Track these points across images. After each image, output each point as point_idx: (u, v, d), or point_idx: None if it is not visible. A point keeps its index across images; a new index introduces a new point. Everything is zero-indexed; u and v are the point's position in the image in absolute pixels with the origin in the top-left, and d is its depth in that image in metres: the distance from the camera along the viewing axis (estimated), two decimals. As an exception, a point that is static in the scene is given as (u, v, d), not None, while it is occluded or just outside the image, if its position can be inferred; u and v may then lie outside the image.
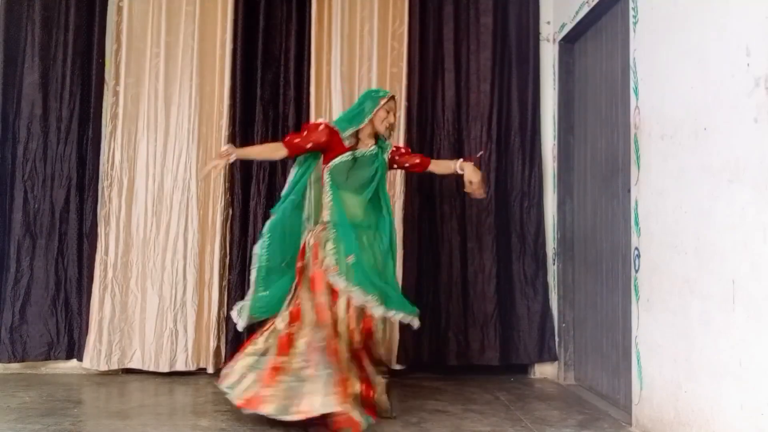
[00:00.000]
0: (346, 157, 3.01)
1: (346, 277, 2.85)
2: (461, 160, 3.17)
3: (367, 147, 3.08)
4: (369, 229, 3.03)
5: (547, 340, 4.05)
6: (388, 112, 3.08)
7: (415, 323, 3.00)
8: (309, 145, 2.99)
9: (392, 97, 3.13)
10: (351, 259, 2.87)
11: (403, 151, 3.26)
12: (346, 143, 3.03)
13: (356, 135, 3.06)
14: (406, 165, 3.23)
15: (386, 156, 3.15)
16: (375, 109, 3.05)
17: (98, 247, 3.98)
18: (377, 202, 3.09)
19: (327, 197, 3.03)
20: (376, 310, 2.86)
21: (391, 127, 3.13)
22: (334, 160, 3.01)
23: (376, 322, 2.92)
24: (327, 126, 3.04)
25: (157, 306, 3.97)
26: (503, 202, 4.14)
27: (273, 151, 3.11)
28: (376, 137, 3.12)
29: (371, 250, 2.99)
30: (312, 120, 4.09)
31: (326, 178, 3.04)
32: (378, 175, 3.07)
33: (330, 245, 2.92)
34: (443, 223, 4.09)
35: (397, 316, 2.94)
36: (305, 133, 3.03)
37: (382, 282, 2.92)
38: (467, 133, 4.18)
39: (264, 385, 2.75)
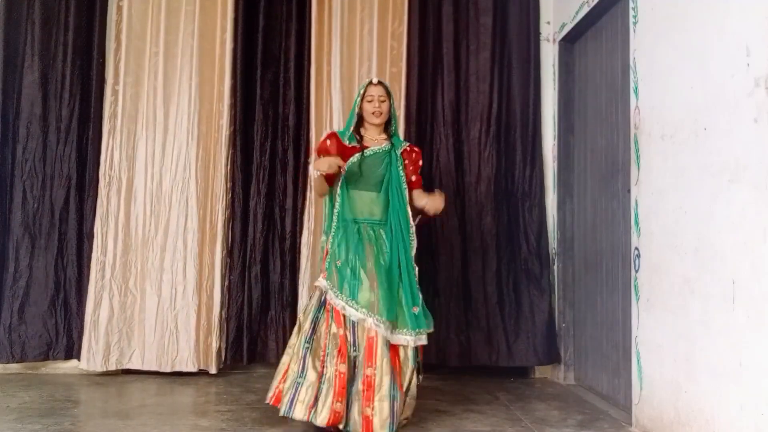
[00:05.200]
0: (355, 157, 2.92)
1: (331, 282, 2.79)
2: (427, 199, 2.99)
3: (379, 144, 2.98)
4: (382, 227, 2.91)
5: (550, 341, 4.02)
6: (370, 101, 2.94)
7: (410, 341, 2.79)
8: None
9: (371, 83, 2.97)
10: (339, 263, 2.81)
11: (414, 157, 3.07)
12: (352, 143, 2.95)
13: (359, 133, 2.99)
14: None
15: (398, 152, 3.00)
16: (359, 104, 2.97)
17: (95, 247, 3.97)
18: (397, 201, 2.93)
19: (336, 197, 2.94)
20: (359, 318, 2.73)
21: (378, 114, 2.95)
22: (347, 163, 2.91)
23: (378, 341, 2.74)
24: (332, 134, 3.00)
25: (157, 306, 3.96)
26: (504, 202, 4.13)
27: (320, 184, 2.95)
28: (389, 133, 3.03)
29: (379, 248, 2.86)
30: (312, 118, 4.11)
31: (340, 182, 2.93)
32: (391, 172, 2.94)
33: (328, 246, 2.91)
34: (444, 223, 4.08)
35: (381, 330, 2.71)
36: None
37: (382, 289, 2.76)
38: (466, 133, 4.17)
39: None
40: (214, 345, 3.97)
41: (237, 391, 3.61)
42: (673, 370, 2.60)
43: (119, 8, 4.13)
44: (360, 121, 3.01)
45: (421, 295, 2.91)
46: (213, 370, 3.95)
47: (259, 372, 4.10)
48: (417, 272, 2.94)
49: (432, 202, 2.96)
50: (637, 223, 2.93)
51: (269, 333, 4.03)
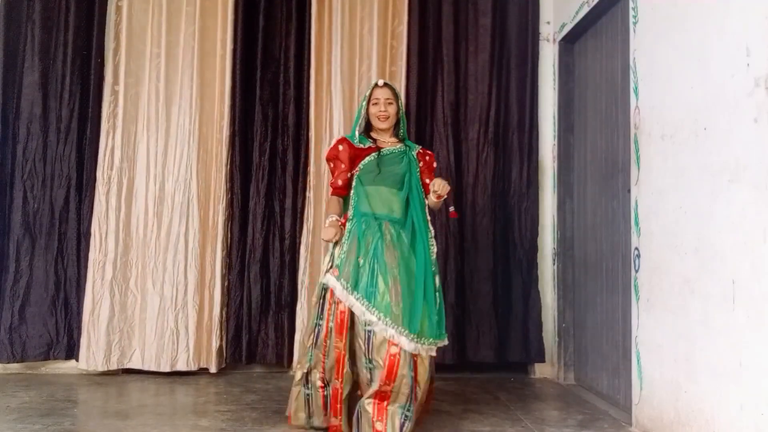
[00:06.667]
0: (371, 156, 2.82)
1: (346, 281, 2.62)
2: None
3: (393, 146, 2.88)
4: (402, 227, 2.75)
5: (542, 340, 4.04)
6: (375, 104, 2.86)
7: (421, 350, 2.59)
8: (343, 167, 2.81)
9: (377, 85, 2.89)
10: (361, 260, 2.63)
11: (428, 159, 2.96)
12: (366, 144, 2.85)
13: (370, 136, 2.89)
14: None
15: (414, 154, 2.91)
16: (365, 107, 2.89)
17: (96, 247, 3.97)
18: (417, 202, 2.81)
19: (351, 195, 2.82)
20: (377, 327, 2.55)
21: (384, 118, 2.85)
22: (361, 163, 2.81)
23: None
24: (343, 140, 2.88)
25: (158, 306, 3.97)
26: (501, 203, 4.14)
27: (335, 204, 2.84)
28: (400, 137, 2.95)
29: (400, 247, 2.69)
30: (311, 118, 4.10)
31: (354, 182, 2.83)
32: (411, 171, 2.83)
33: (339, 244, 2.73)
34: (442, 223, 4.06)
35: (404, 342, 2.53)
36: (332, 165, 2.87)
37: (406, 298, 2.59)
38: (465, 134, 4.18)
39: None
40: (214, 344, 3.98)
41: (237, 391, 3.61)
42: (673, 370, 2.60)
43: (118, 8, 4.13)
44: (368, 125, 2.92)
45: (439, 303, 2.73)
46: (213, 369, 3.96)
47: (258, 372, 4.11)
48: (438, 278, 2.79)
49: (437, 185, 2.74)
50: (637, 223, 2.93)
51: (269, 332, 4.03)
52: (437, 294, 2.74)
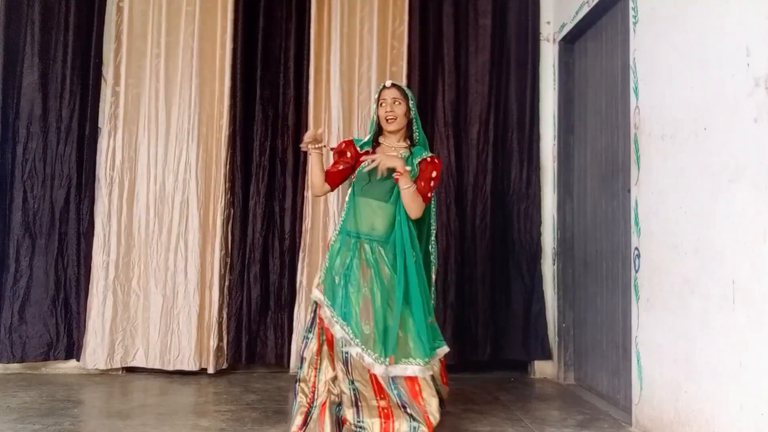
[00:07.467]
0: (365, 163, 2.70)
1: (327, 299, 2.57)
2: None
3: (396, 151, 2.73)
4: (383, 244, 2.62)
5: (542, 339, 4.06)
6: (382, 105, 2.72)
7: (417, 371, 2.48)
8: (340, 166, 2.75)
9: (384, 87, 2.76)
10: (337, 279, 2.58)
11: (428, 167, 2.71)
12: (365, 148, 2.76)
13: (377, 141, 2.78)
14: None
15: (415, 161, 2.70)
16: (376, 110, 2.78)
17: (99, 247, 3.98)
18: (404, 215, 2.65)
19: (344, 207, 2.75)
20: (352, 350, 2.47)
21: (393, 119, 2.70)
22: (358, 168, 2.70)
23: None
24: (349, 141, 2.81)
25: (161, 305, 3.97)
26: (500, 203, 4.15)
27: (316, 172, 2.73)
28: (411, 141, 2.78)
29: (376, 266, 2.58)
30: (310, 117, 4.10)
31: (350, 189, 2.74)
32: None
33: (326, 258, 2.69)
34: (440, 223, 4.07)
35: (376, 370, 2.44)
36: (335, 159, 2.79)
37: (378, 320, 2.50)
38: (465, 134, 4.19)
39: None
40: (214, 344, 3.97)
41: (237, 391, 3.61)
42: (673, 370, 2.60)
43: (119, 9, 4.13)
44: (381, 130, 2.79)
45: (430, 318, 2.64)
46: (212, 370, 3.95)
47: (259, 372, 4.11)
48: (430, 292, 2.72)
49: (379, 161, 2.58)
50: (637, 223, 2.93)
51: (268, 333, 4.03)
52: (425, 312, 2.61)
